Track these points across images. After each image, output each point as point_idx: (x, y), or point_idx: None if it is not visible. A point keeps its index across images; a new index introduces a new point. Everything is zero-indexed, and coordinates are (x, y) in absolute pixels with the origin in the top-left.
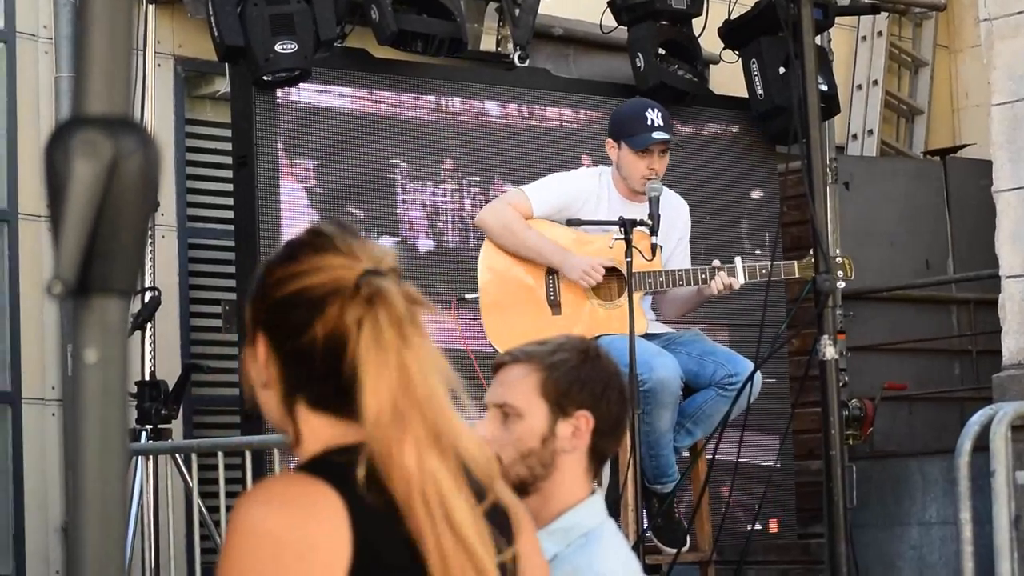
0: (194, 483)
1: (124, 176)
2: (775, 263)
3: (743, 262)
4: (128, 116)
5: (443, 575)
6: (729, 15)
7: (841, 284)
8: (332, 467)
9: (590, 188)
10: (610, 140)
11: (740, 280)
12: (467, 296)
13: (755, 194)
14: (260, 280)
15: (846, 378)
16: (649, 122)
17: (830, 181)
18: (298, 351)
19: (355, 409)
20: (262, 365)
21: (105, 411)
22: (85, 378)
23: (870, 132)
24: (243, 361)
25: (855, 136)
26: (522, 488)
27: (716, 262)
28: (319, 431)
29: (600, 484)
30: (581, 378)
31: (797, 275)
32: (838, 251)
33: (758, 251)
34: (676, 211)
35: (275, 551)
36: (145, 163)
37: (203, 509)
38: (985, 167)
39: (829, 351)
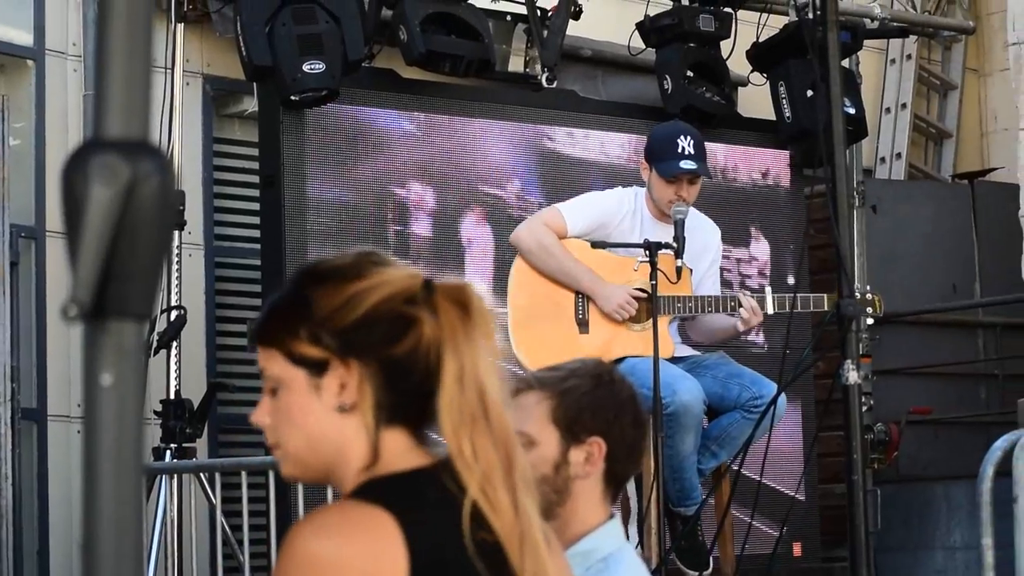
0: (218, 502)
1: (141, 200)
2: (806, 295)
3: (773, 292)
4: (146, 139)
5: None
6: (757, 38)
7: (869, 320)
8: (389, 492)
9: (624, 208)
10: (643, 161)
11: (769, 310)
12: (496, 310)
13: (782, 216)
14: (318, 309)
15: (871, 402)
16: (679, 149)
17: (857, 204)
18: (395, 361)
19: (429, 417)
20: (353, 388)
21: (120, 435)
22: (100, 402)
23: (898, 155)
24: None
25: (883, 159)
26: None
27: (746, 292)
28: (389, 449)
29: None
30: (593, 404)
31: (826, 308)
32: (868, 288)
33: (785, 275)
34: (709, 236)
35: None
36: (162, 187)
37: (227, 528)
38: (1013, 191)
39: (852, 376)
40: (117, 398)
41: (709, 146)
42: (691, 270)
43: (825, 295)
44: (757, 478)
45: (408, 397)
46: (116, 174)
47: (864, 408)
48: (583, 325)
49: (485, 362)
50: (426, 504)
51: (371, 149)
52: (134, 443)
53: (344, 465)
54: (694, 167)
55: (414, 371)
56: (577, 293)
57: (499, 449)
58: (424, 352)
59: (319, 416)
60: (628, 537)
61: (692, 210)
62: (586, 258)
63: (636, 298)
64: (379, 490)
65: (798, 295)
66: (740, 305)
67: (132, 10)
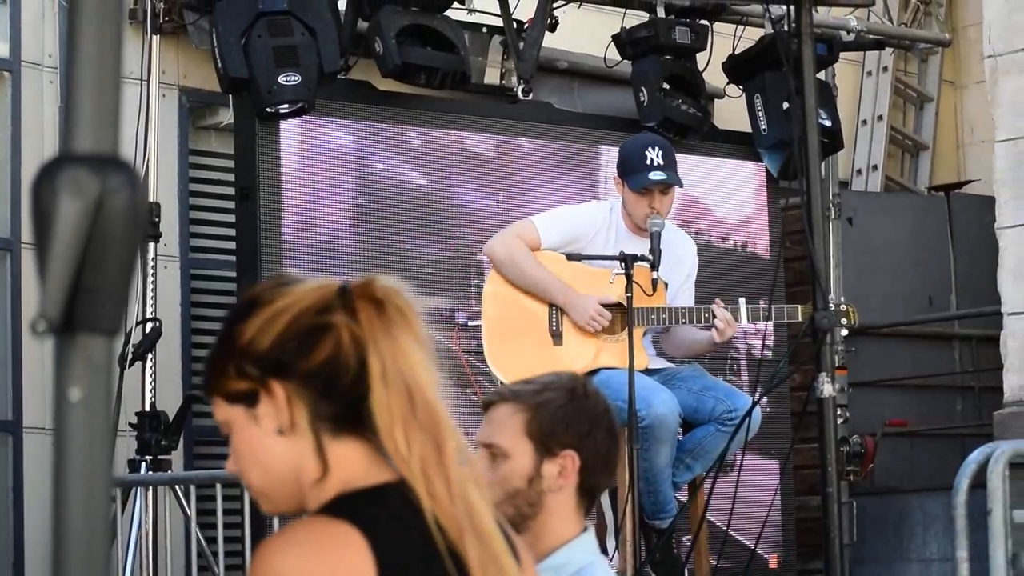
0: (192, 514)
1: (110, 215)
2: (780, 306)
3: (747, 303)
4: (116, 154)
5: None
6: (734, 50)
7: (844, 332)
8: (354, 506)
9: (599, 221)
10: (616, 176)
11: (743, 321)
12: (470, 323)
13: (758, 228)
14: (237, 343)
15: (847, 414)
16: (648, 161)
17: (833, 216)
18: (315, 372)
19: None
20: (284, 408)
21: (89, 450)
22: (69, 417)
23: (875, 167)
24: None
25: (859, 171)
26: (511, 527)
27: (718, 301)
28: (343, 460)
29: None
30: (567, 417)
31: (800, 319)
32: (843, 299)
33: (760, 287)
34: (684, 249)
35: None
36: (131, 202)
37: (202, 540)
38: (989, 203)
39: (827, 389)
40: (86, 413)
41: (685, 158)
42: (666, 284)
43: (799, 306)
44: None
45: (344, 404)
46: (85, 189)
47: (840, 420)
48: (557, 337)
49: (408, 355)
50: (392, 518)
51: (347, 161)
52: (103, 458)
53: (305, 486)
54: (664, 177)
55: (340, 377)
56: (551, 305)
57: (430, 440)
58: (347, 356)
59: (265, 445)
60: (607, 552)
61: (668, 223)
62: (562, 270)
63: (607, 306)
64: (346, 506)
65: (772, 306)
66: (714, 316)
67: (102, 25)
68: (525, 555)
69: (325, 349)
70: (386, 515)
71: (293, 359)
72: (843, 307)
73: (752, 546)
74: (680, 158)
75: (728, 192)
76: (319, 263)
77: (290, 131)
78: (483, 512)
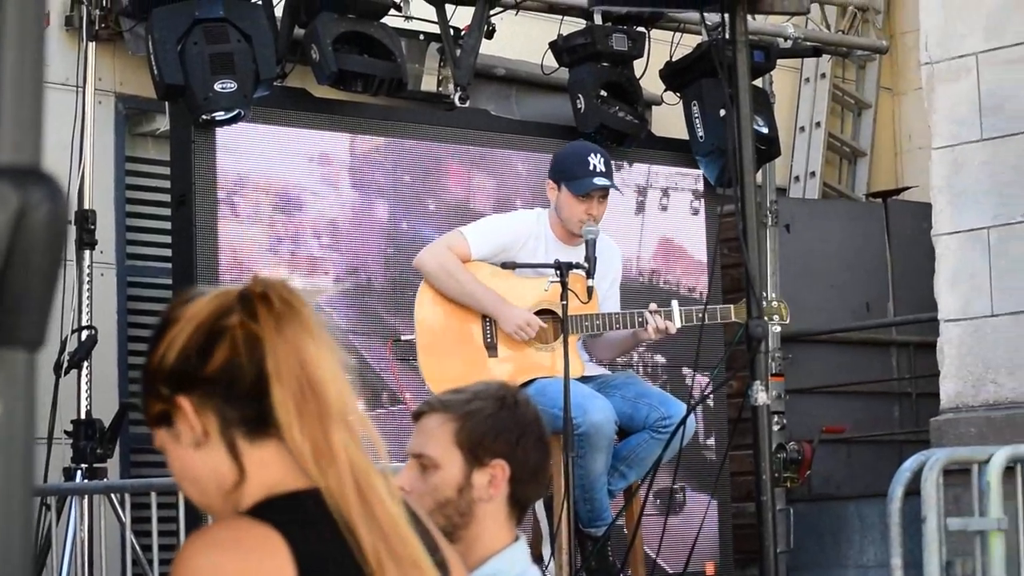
0: (127, 522)
1: (31, 228)
2: (712, 306)
3: (680, 305)
4: (38, 166)
5: None
6: (671, 57)
7: (776, 328)
8: (275, 511)
9: (528, 230)
10: (550, 181)
11: (677, 324)
12: (403, 338)
13: (694, 234)
14: (149, 367)
15: (784, 421)
16: (591, 167)
17: (770, 223)
18: (215, 378)
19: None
20: (194, 420)
21: (9, 465)
22: None
23: (812, 174)
24: (166, 447)
25: (797, 178)
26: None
27: (652, 305)
28: (261, 465)
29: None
30: (497, 427)
31: (733, 318)
32: (774, 295)
33: (697, 293)
34: (610, 254)
35: None
36: (53, 215)
37: (137, 548)
38: (927, 210)
39: (761, 396)
40: (6, 427)
41: (621, 165)
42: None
43: (732, 306)
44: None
45: (251, 407)
46: (5, 201)
47: (777, 427)
48: (491, 348)
49: (300, 350)
50: (314, 521)
51: (283, 168)
52: (24, 472)
53: (229, 492)
54: (608, 183)
55: (240, 379)
56: (484, 317)
57: (323, 436)
58: (242, 358)
59: (188, 461)
60: (544, 560)
61: (600, 230)
62: (493, 281)
63: (540, 314)
64: (269, 509)
65: (706, 306)
66: (647, 321)
67: (22, 35)
68: (457, 565)
69: (221, 353)
70: (305, 519)
71: (195, 369)
72: (775, 303)
73: (688, 553)
74: (618, 164)
75: (664, 198)
76: (255, 271)
77: (226, 138)
78: (387, 507)
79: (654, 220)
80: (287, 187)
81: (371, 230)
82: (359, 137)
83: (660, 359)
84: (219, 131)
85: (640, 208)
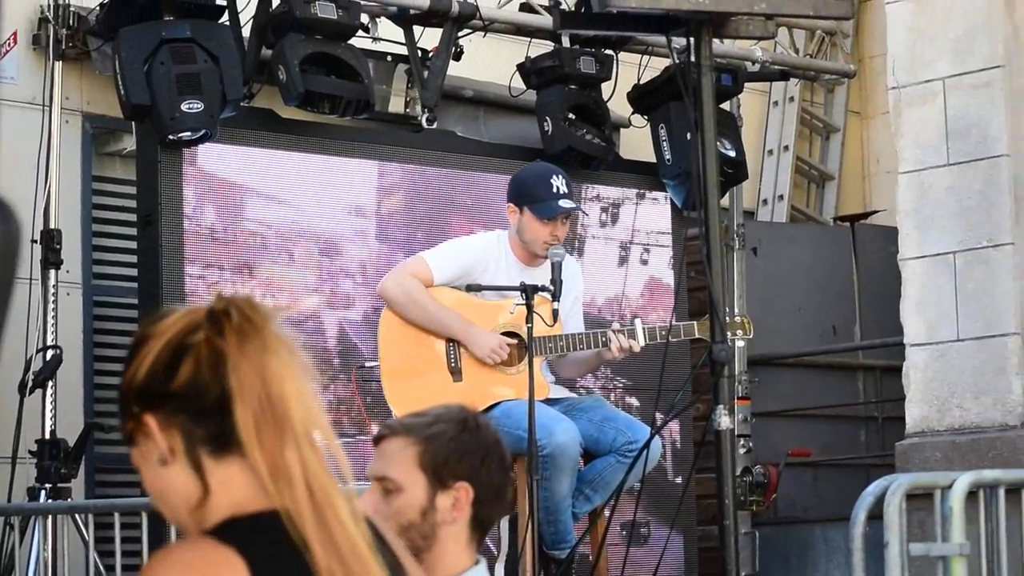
0: (91, 541)
1: None
2: (676, 324)
3: (643, 324)
4: None
5: None
6: (639, 80)
7: (740, 343)
8: (236, 532)
9: (489, 253)
10: (511, 205)
11: (640, 342)
12: (368, 364)
13: (661, 258)
14: (122, 385)
15: (751, 444)
16: (555, 189)
17: (738, 247)
18: (180, 395)
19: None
20: (159, 438)
21: None
22: None
23: (780, 197)
24: (138, 465)
25: (765, 201)
26: None
27: (616, 324)
28: (225, 483)
29: (499, 551)
30: (459, 449)
31: (697, 334)
32: (737, 311)
33: (665, 317)
34: (572, 272)
35: None
36: (5, 235)
37: (101, 568)
38: (894, 234)
39: (724, 421)
40: None
41: (590, 187)
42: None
43: (695, 322)
44: (631, 520)
45: (216, 424)
46: None
47: (743, 450)
48: (456, 373)
49: (261, 367)
50: (276, 544)
51: (249, 189)
52: None
53: (195, 510)
54: (572, 205)
55: (204, 396)
56: (448, 341)
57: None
58: (208, 374)
59: (157, 479)
60: None
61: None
62: (458, 304)
63: (503, 335)
64: (232, 531)
65: (671, 324)
66: (610, 340)
67: None
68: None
69: (186, 369)
70: (267, 540)
71: (161, 385)
72: (738, 318)
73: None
74: (585, 187)
75: (631, 221)
76: (221, 291)
77: (193, 158)
78: (347, 528)
79: (620, 242)
80: (253, 207)
81: (340, 249)
82: (326, 158)
83: (623, 382)
84: (186, 151)
85: (606, 230)
